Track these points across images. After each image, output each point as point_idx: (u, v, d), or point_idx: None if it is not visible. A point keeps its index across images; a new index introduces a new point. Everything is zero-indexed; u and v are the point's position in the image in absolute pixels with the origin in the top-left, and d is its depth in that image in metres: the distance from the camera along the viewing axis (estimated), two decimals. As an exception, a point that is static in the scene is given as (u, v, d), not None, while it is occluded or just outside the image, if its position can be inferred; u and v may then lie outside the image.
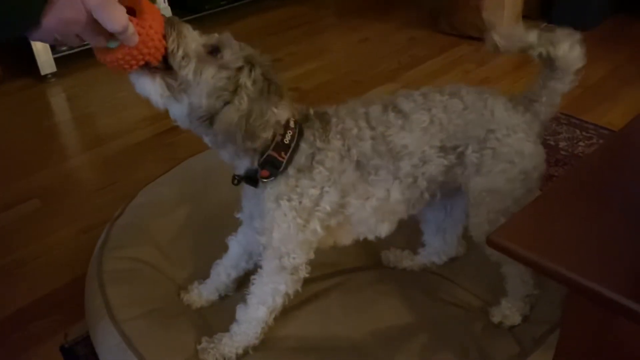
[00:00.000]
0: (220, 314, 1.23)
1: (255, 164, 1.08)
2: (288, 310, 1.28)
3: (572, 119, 2.30)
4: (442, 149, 1.15)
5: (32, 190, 1.98)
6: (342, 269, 1.44)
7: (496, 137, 1.15)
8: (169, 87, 0.98)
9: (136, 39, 0.89)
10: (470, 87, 1.20)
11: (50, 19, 0.80)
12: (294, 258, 1.13)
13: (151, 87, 0.98)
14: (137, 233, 1.44)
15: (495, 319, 1.28)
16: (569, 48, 1.13)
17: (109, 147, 2.21)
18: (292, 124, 1.07)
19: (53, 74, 2.69)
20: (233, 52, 1.00)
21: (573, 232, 0.75)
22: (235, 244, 1.30)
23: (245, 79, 0.99)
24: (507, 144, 1.15)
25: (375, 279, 1.40)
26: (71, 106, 2.57)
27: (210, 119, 1.01)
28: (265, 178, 1.08)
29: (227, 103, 1.00)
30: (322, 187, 1.09)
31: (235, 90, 0.99)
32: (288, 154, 1.07)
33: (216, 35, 1.02)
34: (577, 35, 1.14)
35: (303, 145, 1.08)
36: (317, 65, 2.83)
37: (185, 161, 1.72)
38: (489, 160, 1.16)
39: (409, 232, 1.42)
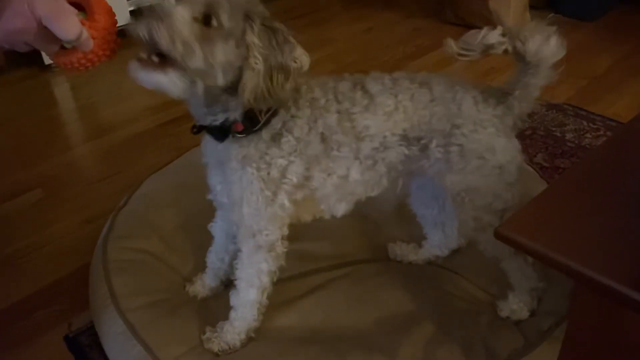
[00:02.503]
0: (225, 303, 1.23)
1: (235, 117, 1.01)
2: (292, 301, 1.28)
3: (578, 110, 2.28)
4: (404, 138, 1.11)
5: (35, 180, 1.97)
6: (348, 260, 1.43)
7: (462, 133, 1.11)
8: (182, 76, 0.92)
9: (91, 43, 0.86)
10: (443, 78, 1.16)
11: None
12: (267, 235, 1.11)
13: (167, 82, 0.92)
14: (142, 223, 1.44)
15: (503, 313, 1.27)
16: (540, 42, 1.07)
17: (112, 136, 2.20)
18: None
19: (56, 64, 2.68)
20: (230, 14, 0.93)
21: (580, 225, 0.75)
22: (218, 230, 1.29)
23: (251, 38, 0.94)
24: (476, 140, 1.11)
25: (380, 271, 1.40)
26: (75, 96, 2.56)
27: (230, 89, 0.97)
28: (238, 133, 1.03)
29: (242, 70, 0.95)
30: (289, 157, 1.06)
31: (247, 52, 0.94)
32: (267, 115, 1.03)
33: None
34: (551, 29, 1.09)
35: (281, 111, 1.05)
36: (321, 55, 2.81)
37: (189, 151, 1.71)
38: (458, 157, 1.12)
39: (415, 225, 1.42)
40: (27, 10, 0.78)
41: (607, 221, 0.75)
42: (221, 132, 1.04)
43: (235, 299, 1.18)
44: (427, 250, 1.44)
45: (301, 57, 0.98)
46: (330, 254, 1.45)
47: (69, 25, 0.81)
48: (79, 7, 0.88)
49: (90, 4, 0.87)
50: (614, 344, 0.75)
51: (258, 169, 1.05)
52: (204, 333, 1.19)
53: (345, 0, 3.57)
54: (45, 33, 0.81)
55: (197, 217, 1.49)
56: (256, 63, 0.94)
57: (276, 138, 1.05)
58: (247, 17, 0.94)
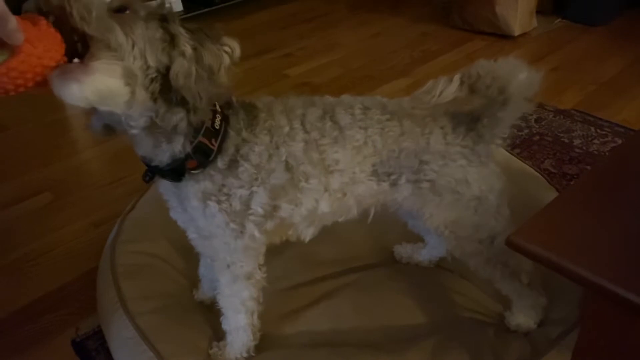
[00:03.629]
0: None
1: (186, 150, 0.94)
2: (299, 309, 1.28)
3: (586, 116, 2.28)
4: (375, 173, 1.07)
5: (43, 184, 1.98)
6: (354, 266, 1.43)
7: (432, 169, 1.06)
8: (107, 64, 0.80)
9: (21, 36, 0.71)
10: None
11: None
12: (241, 266, 1.08)
13: (97, 80, 0.79)
14: (150, 227, 1.44)
15: (511, 326, 1.26)
16: (507, 81, 1.00)
17: (120, 140, 2.15)
18: (218, 107, 0.96)
19: (64, 67, 2.69)
20: (145, 10, 0.84)
21: (592, 233, 0.74)
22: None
23: (175, 28, 0.86)
24: (447, 174, 1.06)
25: (387, 276, 1.39)
26: (82, 99, 2.57)
27: (162, 81, 0.87)
28: (193, 169, 0.96)
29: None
30: (251, 187, 1.00)
31: (172, 41, 0.85)
32: (218, 141, 0.96)
33: None
34: (521, 64, 1.02)
35: (231, 132, 0.97)
36: (328, 60, 2.82)
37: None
38: (430, 194, 1.08)
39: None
40: None
41: (619, 230, 0.75)
42: (175, 173, 0.97)
43: (226, 325, 1.16)
44: (428, 251, 1.44)
45: (231, 43, 0.90)
46: (336, 258, 1.44)
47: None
48: None
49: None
50: (626, 354, 0.74)
51: (219, 202, 0.99)
52: (211, 348, 1.19)
53: (353, 5, 3.58)
54: None
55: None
56: (185, 46, 0.85)
57: (232, 166, 0.98)
58: (165, 17, 0.86)
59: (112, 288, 1.27)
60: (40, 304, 1.51)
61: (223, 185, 0.99)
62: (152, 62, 0.85)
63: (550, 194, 1.51)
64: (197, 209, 1.01)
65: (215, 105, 0.95)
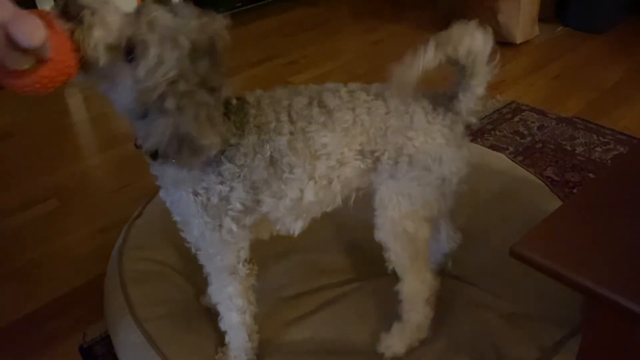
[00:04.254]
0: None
1: None
2: (305, 316, 1.29)
3: (588, 123, 2.29)
4: (361, 152, 1.09)
5: (50, 190, 2.00)
6: (359, 274, 1.44)
7: (414, 145, 1.09)
8: (88, 78, 0.88)
9: (50, 49, 0.75)
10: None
11: None
12: (221, 259, 1.09)
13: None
14: (156, 234, 1.46)
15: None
16: (469, 42, 1.04)
17: (126, 147, 2.22)
18: None
19: (70, 74, 2.71)
20: (148, 67, 0.86)
21: (594, 243, 0.75)
22: None
23: (168, 103, 0.87)
24: (425, 151, 1.09)
25: (392, 283, 1.39)
26: (88, 106, 2.59)
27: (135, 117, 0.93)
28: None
29: (150, 111, 0.90)
30: (231, 184, 1.01)
31: (162, 104, 0.88)
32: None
33: (142, 24, 0.86)
34: (472, 25, 1.05)
35: None
36: (332, 67, 2.84)
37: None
38: (405, 167, 1.10)
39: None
40: None
41: (621, 239, 0.76)
42: (152, 153, 0.97)
43: (222, 324, 1.18)
44: (432, 255, 1.43)
45: (211, 138, 0.91)
46: (340, 266, 1.45)
47: (34, 29, 0.71)
48: None
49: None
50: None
51: (195, 194, 1.01)
52: (217, 353, 1.20)
53: (356, 12, 3.60)
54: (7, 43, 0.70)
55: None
56: (166, 127, 0.88)
57: (212, 165, 1.00)
58: (179, 76, 0.87)
59: (120, 294, 1.28)
60: (47, 310, 1.53)
61: (202, 180, 1.01)
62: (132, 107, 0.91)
63: (553, 202, 1.52)
64: (172, 194, 1.04)
65: None
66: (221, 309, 1.17)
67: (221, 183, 1.01)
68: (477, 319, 1.31)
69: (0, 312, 1.52)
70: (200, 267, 1.42)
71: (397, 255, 1.17)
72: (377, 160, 1.11)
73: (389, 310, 1.31)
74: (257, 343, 1.21)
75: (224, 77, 0.93)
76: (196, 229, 1.05)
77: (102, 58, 0.86)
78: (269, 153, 1.03)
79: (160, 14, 0.87)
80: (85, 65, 0.86)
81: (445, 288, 1.39)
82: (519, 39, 2.95)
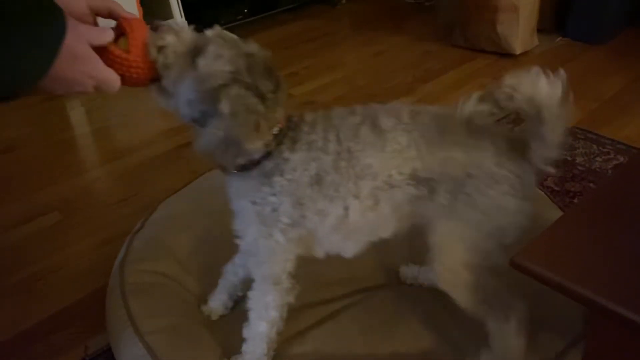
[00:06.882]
0: (238, 327, 1.24)
1: None
2: (306, 330, 1.28)
3: (588, 133, 2.29)
4: (414, 177, 1.06)
5: (52, 203, 2.00)
6: (361, 287, 1.43)
7: (475, 185, 1.04)
8: (160, 91, 1.00)
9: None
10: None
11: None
12: (269, 267, 1.12)
13: (152, 93, 1.02)
14: (158, 247, 1.46)
15: None
16: (530, 89, 0.96)
17: (127, 160, 2.23)
18: (275, 130, 1.05)
19: (71, 87, 2.72)
20: (207, 60, 0.97)
21: (595, 254, 0.75)
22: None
23: (223, 106, 0.95)
24: (487, 195, 1.04)
25: (394, 298, 1.39)
26: (90, 119, 2.60)
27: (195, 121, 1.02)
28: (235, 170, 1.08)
29: (206, 115, 0.98)
30: (280, 197, 1.06)
31: (216, 106, 0.96)
32: (259, 158, 1.05)
33: (208, 33, 1.00)
34: (535, 69, 0.96)
35: (275, 154, 1.05)
36: (332, 79, 2.85)
37: (204, 174, 1.74)
38: (462, 207, 1.05)
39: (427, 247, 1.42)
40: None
41: (622, 250, 0.76)
42: (223, 167, 1.09)
43: (247, 330, 1.19)
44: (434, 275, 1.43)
45: (255, 143, 0.99)
46: (343, 277, 1.45)
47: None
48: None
49: (132, 27, 0.94)
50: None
51: (253, 203, 1.07)
52: None
53: (356, 25, 3.62)
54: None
55: (212, 240, 1.51)
56: (218, 129, 0.97)
57: (268, 176, 1.05)
58: (233, 80, 0.96)
59: (122, 307, 1.28)
60: (49, 323, 1.52)
61: (259, 190, 1.06)
62: (185, 113, 1.01)
63: (553, 212, 1.52)
64: (237, 204, 1.11)
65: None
66: (252, 316, 1.18)
67: (273, 195, 1.06)
68: (479, 333, 1.30)
69: (2, 325, 1.51)
70: (202, 279, 1.43)
71: (467, 306, 1.14)
72: (433, 190, 1.07)
73: (391, 326, 1.31)
74: None
75: (275, 88, 1.00)
76: (250, 236, 1.11)
77: (171, 60, 0.96)
78: (314, 171, 1.06)
79: (225, 32, 1.01)
80: (156, 74, 0.97)
81: (448, 304, 1.38)
82: (518, 50, 2.96)
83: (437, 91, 2.66)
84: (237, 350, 1.21)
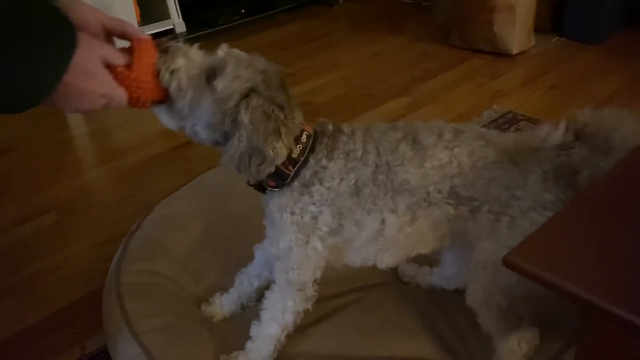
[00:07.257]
0: (239, 329, 1.24)
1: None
2: (303, 328, 1.28)
3: (585, 133, 2.29)
4: (453, 195, 1.06)
5: (49, 204, 2.00)
6: (359, 285, 1.43)
7: (519, 206, 1.03)
8: (171, 114, 1.02)
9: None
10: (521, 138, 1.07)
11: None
12: (298, 274, 1.13)
13: (159, 114, 1.03)
14: (155, 247, 1.46)
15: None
16: (627, 131, 0.97)
17: (125, 160, 2.23)
18: (304, 138, 1.06)
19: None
20: (226, 82, 0.98)
21: (589, 252, 0.75)
22: (260, 252, 1.31)
23: (242, 116, 0.98)
24: (530, 219, 1.02)
25: (392, 297, 1.39)
26: (87, 120, 2.60)
27: (216, 143, 1.05)
28: (272, 187, 1.09)
29: (228, 134, 1.01)
30: (320, 206, 1.07)
31: (236, 120, 0.99)
32: (295, 168, 1.06)
33: (220, 54, 1.01)
34: (624, 113, 1.00)
35: (311, 161, 1.07)
36: (330, 79, 2.86)
37: (201, 174, 1.74)
38: (505, 229, 1.04)
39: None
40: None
41: (616, 248, 0.75)
42: (260, 187, 1.12)
43: (255, 330, 1.19)
44: (436, 278, 1.43)
45: (280, 149, 1.01)
46: (341, 275, 1.45)
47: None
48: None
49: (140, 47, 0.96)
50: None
51: (292, 213, 1.08)
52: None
53: (353, 25, 3.63)
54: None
55: (209, 240, 1.51)
56: (240, 140, 0.99)
57: (308, 186, 1.07)
58: (251, 92, 0.98)
59: (118, 307, 1.28)
60: (47, 323, 1.52)
61: (298, 201, 1.08)
62: (204, 137, 1.04)
63: (550, 212, 1.52)
64: (275, 217, 1.11)
65: (301, 134, 1.06)
66: (265, 316, 1.18)
67: (312, 204, 1.07)
68: (477, 334, 1.30)
69: (1, 324, 1.51)
70: (199, 278, 1.43)
71: (489, 325, 1.15)
72: (475, 210, 1.07)
73: (389, 325, 1.31)
74: None
75: (291, 100, 1.03)
76: (284, 243, 1.10)
77: (184, 83, 0.98)
78: (353, 181, 1.07)
79: (236, 51, 1.02)
80: (160, 96, 0.98)
81: (446, 303, 1.39)
82: (515, 50, 2.97)
83: (435, 91, 2.66)
84: (233, 349, 1.22)
